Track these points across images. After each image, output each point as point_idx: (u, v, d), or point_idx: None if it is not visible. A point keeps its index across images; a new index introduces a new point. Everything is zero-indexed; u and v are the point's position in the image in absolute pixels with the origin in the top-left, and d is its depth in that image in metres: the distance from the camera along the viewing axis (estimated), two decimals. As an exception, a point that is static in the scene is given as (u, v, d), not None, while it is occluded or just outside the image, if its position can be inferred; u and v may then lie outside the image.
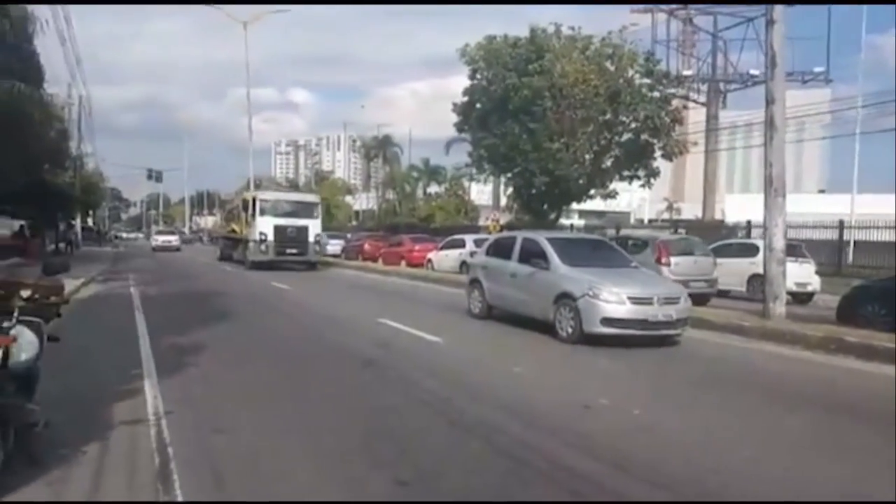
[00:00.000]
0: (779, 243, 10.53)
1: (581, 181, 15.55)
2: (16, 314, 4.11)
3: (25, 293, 4.27)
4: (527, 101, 14.75)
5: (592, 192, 16.54)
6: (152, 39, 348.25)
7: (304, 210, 25.93)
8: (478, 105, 16.96)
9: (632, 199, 49.61)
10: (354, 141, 79.52)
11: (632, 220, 54.46)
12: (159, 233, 53.91)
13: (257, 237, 24.33)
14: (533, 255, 10.66)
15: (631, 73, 15.00)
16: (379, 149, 53.57)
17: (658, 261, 14.57)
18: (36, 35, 18.32)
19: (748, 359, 9.22)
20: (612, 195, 17.49)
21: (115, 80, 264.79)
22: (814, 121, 33.45)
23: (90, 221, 65.18)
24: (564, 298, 9.73)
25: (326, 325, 11.90)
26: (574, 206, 18.29)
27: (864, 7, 31.59)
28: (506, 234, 13.89)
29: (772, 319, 10.50)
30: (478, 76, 16.67)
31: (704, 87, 30.81)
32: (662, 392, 7.27)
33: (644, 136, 15.65)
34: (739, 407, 6.63)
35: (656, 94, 15.23)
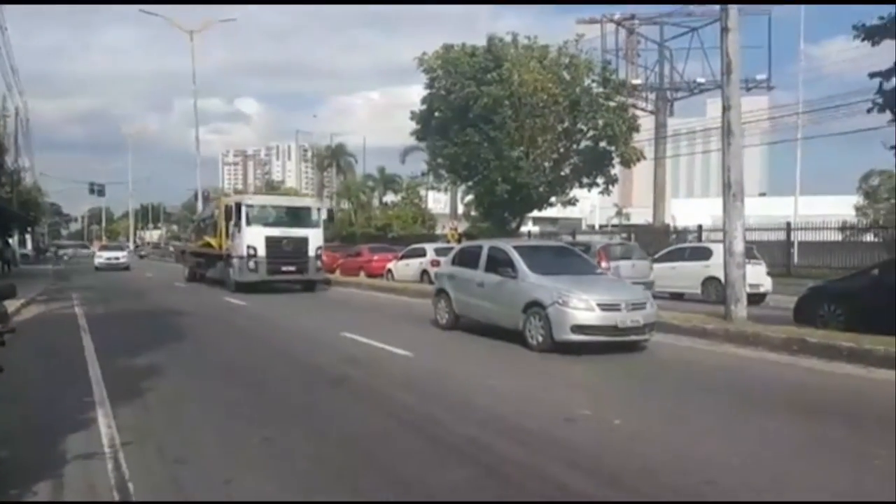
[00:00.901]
0: (738, 247, 10.66)
1: (542, 188, 15.57)
2: (-44, 345, 3.72)
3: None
4: (487, 110, 14.69)
5: (553, 199, 16.59)
6: (98, 51, 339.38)
7: (301, 217, 20.97)
8: (436, 113, 16.83)
9: (583, 205, 50.37)
10: (306, 150, 78.56)
11: (583, 226, 55.21)
12: (103, 248, 43.55)
13: (244, 252, 19.37)
14: (500, 263, 10.54)
15: (587, 81, 15.11)
16: (332, 158, 52.95)
17: (598, 265, 14.70)
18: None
19: (717, 362, 9.25)
20: (573, 202, 17.60)
21: (59, 93, 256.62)
22: (754, 127, 34.51)
23: (28, 238, 62.45)
24: (534, 307, 9.63)
25: (288, 340, 11.47)
26: (532, 213, 18.40)
27: (802, 16, 32.78)
28: (472, 242, 13.76)
29: (734, 322, 10.60)
30: (436, 85, 16.55)
31: (652, 96, 31.47)
32: (639, 400, 7.19)
33: (602, 144, 15.79)
34: (718, 412, 6.60)
35: (612, 103, 15.38)
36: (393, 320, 14.03)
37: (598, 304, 9.30)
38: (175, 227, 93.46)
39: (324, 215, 21.73)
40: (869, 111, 14.91)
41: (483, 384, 7.73)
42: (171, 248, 57.06)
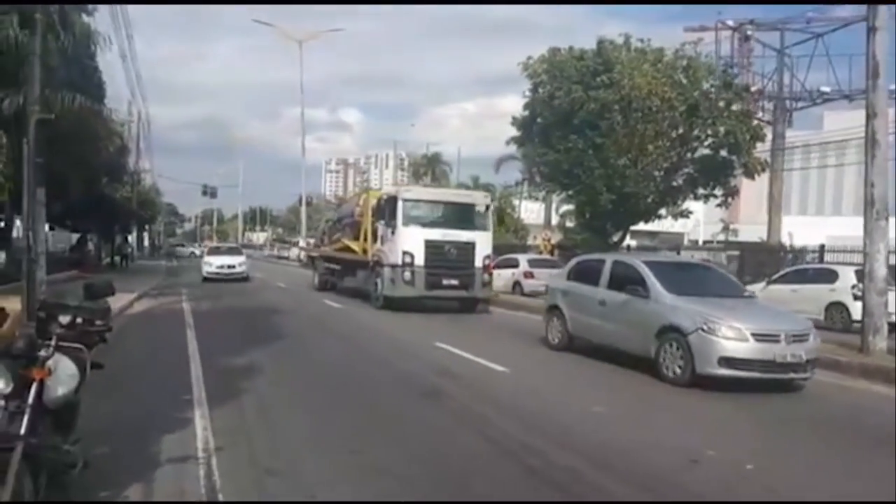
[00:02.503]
0: (881, 271, 9.55)
1: (651, 199, 14.71)
2: (53, 342, 3.61)
3: (65, 319, 3.78)
4: (593, 115, 14.03)
5: (663, 211, 15.64)
6: (212, 61, 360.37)
7: (466, 216, 16.67)
8: (539, 119, 16.32)
9: (687, 220, 48.08)
10: (402, 159, 79.96)
11: (686, 241, 52.74)
12: (213, 250, 31.79)
13: (399, 259, 15.58)
14: (628, 280, 9.34)
15: (706, 86, 14.17)
16: (428, 166, 53.46)
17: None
18: (98, 52, 18.49)
19: (853, 400, 8.23)
20: (686, 214, 16.52)
21: (176, 100, 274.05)
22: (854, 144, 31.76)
23: (146, 235, 66.68)
24: (670, 332, 8.40)
25: (386, 349, 11.24)
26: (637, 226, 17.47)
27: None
28: (591, 255, 12.75)
29: (872, 355, 9.47)
30: (539, 90, 16.05)
31: (769, 105, 29.50)
32: (771, 441, 6.40)
33: (723, 153, 14.72)
34: (860, 461, 5.75)
35: (734, 108, 14.34)
36: (492, 334, 13.38)
37: (753, 334, 7.95)
38: (280, 230, 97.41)
39: (492, 215, 17.25)
40: None
41: (607, 418, 6.87)
42: (297, 251, 50.93)
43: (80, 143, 18.55)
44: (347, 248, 19.19)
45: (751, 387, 8.06)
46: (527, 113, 16.45)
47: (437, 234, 15.82)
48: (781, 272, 18.39)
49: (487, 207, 17.12)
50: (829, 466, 5.67)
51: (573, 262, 11.50)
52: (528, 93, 16.32)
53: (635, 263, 9.68)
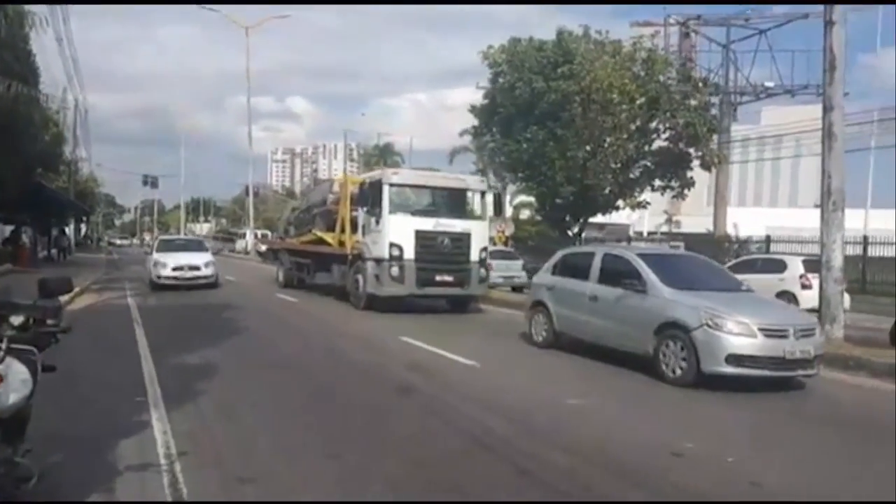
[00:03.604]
0: (837, 261, 9.78)
1: (609, 191, 14.73)
2: (4, 345, 3.24)
3: (17, 320, 3.41)
4: (555, 106, 13.94)
5: (620, 202, 15.70)
6: (154, 47, 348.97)
7: (460, 203, 14.99)
8: (499, 110, 16.12)
9: (629, 211, 48.93)
10: (352, 149, 79.05)
11: (631, 233, 53.80)
12: (165, 245, 21.41)
13: (385, 253, 13.80)
14: (620, 274, 8.88)
15: (663, 78, 14.26)
16: (380, 157, 52.82)
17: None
18: (33, 34, 17.46)
19: (820, 390, 8.33)
20: (644, 205, 16.63)
21: (116, 87, 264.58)
22: (810, 136, 33.01)
23: (83, 227, 64.14)
24: (671, 329, 7.93)
25: (348, 343, 10.85)
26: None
27: (879, 21, 31.15)
28: (578, 248, 12.16)
29: (830, 344, 9.68)
30: (500, 80, 15.86)
31: (714, 100, 30.21)
32: (745, 433, 6.41)
33: (680, 145, 14.86)
34: (829, 449, 5.82)
35: (693, 101, 14.48)
36: (467, 330, 12.69)
37: (761, 329, 7.52)
38: (224, 221, 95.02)
39: (490, 203, 15.24)
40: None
41: (615, 424, 6.32)
42: (243, 243, 49.07)
43: (13, 131, 17.54)
44: (319, 241, 17.29)
45: (746, 385, 7.66)
46: (486, 102, 16.27)
47: (429, 223, 13.99)
48: (730, 263, 18.85)
49: (483, 193, 15.23)
50: (780, 448, 5.70)
51: (558, 255, 10.92)
52: (487, 82, 16.15)
53: (628, 256, 9.27)
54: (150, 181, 73.28)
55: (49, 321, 3.67)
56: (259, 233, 50.04)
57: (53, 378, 3.64)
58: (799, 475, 5.11)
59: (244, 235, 52.00)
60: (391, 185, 14.11)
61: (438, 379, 8.06)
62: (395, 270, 13.65)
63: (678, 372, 7.76)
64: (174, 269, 18.34)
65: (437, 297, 14.60)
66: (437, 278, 13.96)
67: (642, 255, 9.14)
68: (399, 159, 52.92)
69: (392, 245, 13.71)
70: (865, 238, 21.81)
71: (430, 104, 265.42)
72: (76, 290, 16.11)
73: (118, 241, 79.30)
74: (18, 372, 3.33)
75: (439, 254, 13.90)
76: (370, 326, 12.20)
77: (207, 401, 6.63)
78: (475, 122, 17.02)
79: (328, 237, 16.60)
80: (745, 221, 36.08)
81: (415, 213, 14.19)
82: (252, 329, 11.83)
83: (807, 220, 32.34)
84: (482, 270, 14.57)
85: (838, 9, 9.58)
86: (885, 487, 4.73)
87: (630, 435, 5.93)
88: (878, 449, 5.76)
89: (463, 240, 14.12)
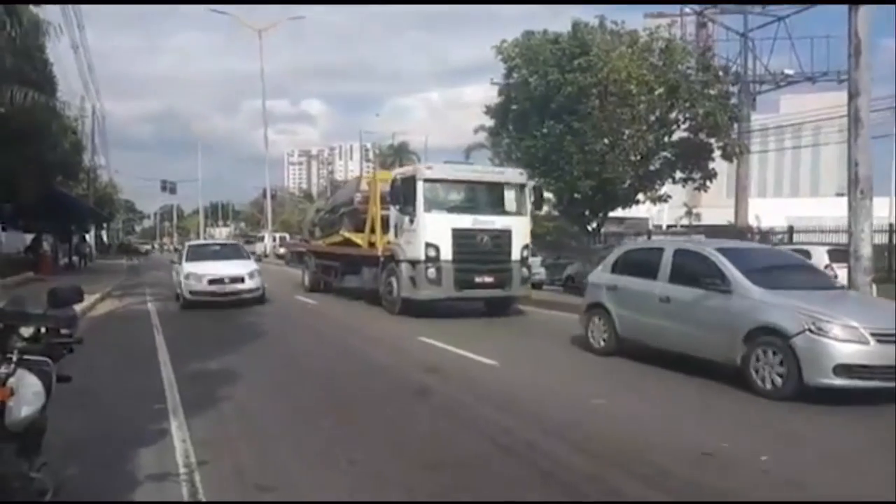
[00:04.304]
0: (866, 251, 9.51)
1: (628, 184, 14.44)
2: (15, 357, 3.16)
3: (27, 331, 3.33)
4: (571, 100, 13.69)
5: (640, 196, 15.38)
6: (170, 53, 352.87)
7: (499, 198, 14.04)
8: (514, 106, 15.90)
9: (652, 205, 48.44)
10: (367, 150, 79.15)
11: (651, 226, 53.25)
12: (196, 252, 17.52)
13: (420, 254, 13.06)
14: (698, 272, 7.96)
15: (682, 68, 13.97)
16: (395, 156, 52.83)
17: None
18: (48, 43, 17.60)
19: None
20: (665, 198, 16.31)
21: (132, 93, 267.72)
22: (830, 124, 32.45)
23: (104, 234, 64.86)
24: (765, 335, 7.00)
25: (389, 356, 9.82)
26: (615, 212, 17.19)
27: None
28: (643, 244, 11.38)
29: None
30: (514, 74, 15.65)
31: (734, 89, 29.72)
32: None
33: (701, 136, 14.54)
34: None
35: (713, 91, 14.17)
36: (515, 337, 11.71)
37: (873, 335, 6.54)
38: (243, 225, 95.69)
39: (530, 198, 14.10)
40: None
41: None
42: (262, 246, 47.39)
43: (32, 140, 17.71)
44: (348, 242, 16.44)
45: (848, 397, 6.58)
46: (501, 98, 16.03)
47: (467, 220, 13.14)
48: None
49: (523, 187, 14.01)
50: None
51: (619, 251, 10.10)
52: (500, 78, 15.95)
53: (706, 252, 8.22)
54: (169, 186, 73.91)
55: (63, 331, 3.60)
56: (277, 236, 50.21)
57: (71, 387, 3.57)
58: None
59: (262, 238, 52.24)
60: (425, 180, 13.26)
61: (500, 399, 6.91)
62: (431, 272, 12.87)
63: (776, 383, 6.82)
64: (211, 281, 15.20)
65: (477, 300, 13.91)
66: (477, 279, 13.18)
67: (722, 251, 8.14)
68: (415, 158, 52.88)
69: (428, 245, 12.95)
70: (891, 226, 21.29)
71: (442, 102, 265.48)
72: (97, 296, 16.23)
73: (141, 249, 71.95)
74: (31, 384, 3.25)
75: (479, 253, 13.11)
76: (408, 333, 11.27)
77: (227, 408, 6.57)
78: (490, 121, 16.76)
79: (357, 238, 15.92)
80: (767, 212, 35.55)
81: (451, 210, 13.40)
82: (277, 335, 11.57)
83: (829, 210, 31.81)
84: (524, 270, 13.75)
85: (866, -11, 9.31)
86: None
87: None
88: None
89: (503, 237, 13.35)
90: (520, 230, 13.52)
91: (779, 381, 6.79)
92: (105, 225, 59.89)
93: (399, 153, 53.05)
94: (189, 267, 15.65)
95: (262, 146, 46.60)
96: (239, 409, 6.56)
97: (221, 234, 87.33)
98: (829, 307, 6.97)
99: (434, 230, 12.93)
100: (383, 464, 4.96)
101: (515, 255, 13.40)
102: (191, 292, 15.12)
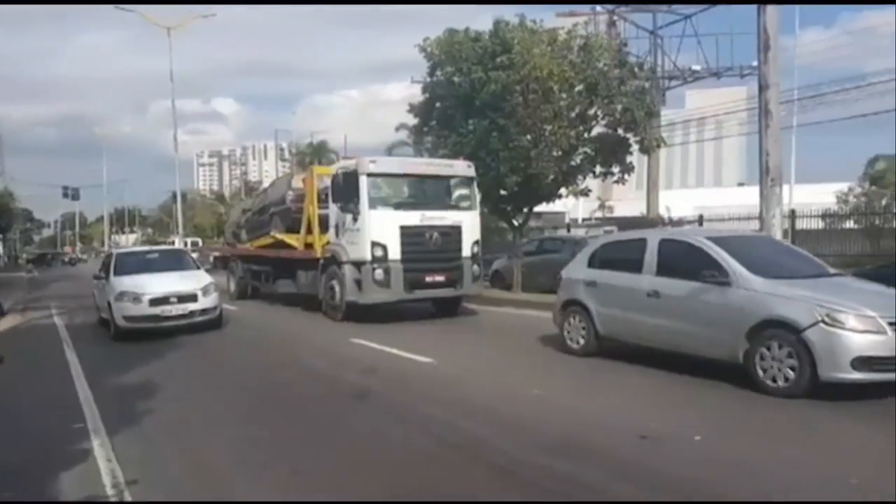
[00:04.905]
0: (776, 236, 10.00)
1: (552, 179, 14.74)
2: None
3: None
4: (496, 97, 13.81)
5: (563, 191, 15.73)
6: (71, 52, 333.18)
7: (448, 193, 13.45)
8: (437, 104, 15.88)
9: (574, 199, 49.81)
10: (283, 149, 77.34)
11: (567, 220, 54.69)
12: (124, 263, 13.05)
13: (366, 254, 12.26)
14: (692, 264, 7.31)
15: (600, 64, 14.35)
16: (314, 155, 51.73)
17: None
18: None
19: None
20: (586, 193, 16.73)
21: (30, 96, 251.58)
22: (732, 117, 34.31)
23: (0, 245, 60.63)
24: (773, 329, 6.46)
25: (302, 350, 10.04)
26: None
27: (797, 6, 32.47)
28: (622, 235, 10.95)
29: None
30: (437, 71, 15.63)
31: (645, 85, 30.90)
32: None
33: (620, 130, 15.01)
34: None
35: (630, 87, 14.63)
36: (479, 339, 11.06)
37: (891, 324, 6.11)
38: (150, 231, 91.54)
39: (477, 191, 13.70)
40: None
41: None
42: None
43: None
44: (280, 244, 15.25)
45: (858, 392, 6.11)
46: (426, 96, 15.97)
47: (415, 217, 12.37)
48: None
49: (472, 180, 13.47)
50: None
51: (597, 244, 9.40)
52: (423, 76, 15.81)
53: (697, 241, 7.56)
54: (71, 193, 69.83)
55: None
56: (189, 240, 48.31)
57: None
58: None
59: (173, 243, 50.14)
60: (369, 175, 12.35)
61: (486, 412, 6.13)
62: (379, 273, 12.05)
63: (788, 379, 6.32)
64: (153, 302, 11.42)
65: (430, 299, 13.13)
66: (428, 279, 12.44)
67: (715, 240, 7.52)
68: (335, 157, 52.09)
69: (374, 244, 12.10)
70: (793, 212, 22.70)
71: (363, 100, 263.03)
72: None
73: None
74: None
75: (428, 251, 12.33)
76: (358, 342, 10.29)
77: (151, 423, 6.20)
78: (414, 119, 16.66)
79: (291, 239, 14.78)
80: (675, 203, 37.26)
81: (398, 206, 12.53)
82: (204, 346, 10.80)
83: (732, 199, 33.54)
84: (475, 267, 13.05)
85: (769, -12, 9.80)
86: None
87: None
88: None
89: (453, 234, 12.66)
90: (470, 225, 13.01)
91: (791, 376, 6.29)
92: (1, 236, 55.91)
93: (318, 152, 52.04)
94: (120, 283, 11.86)
95: (172, 148, 44.64)
96: (164, 423, 6.19)
97: (128, 241, 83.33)
98: (839, 296, 6.50)
99: (380, 228, 12.17)
100: (329, 469, 4.78)
101: (466, 251, 12.84)
102: (125, 318, 11.41)
